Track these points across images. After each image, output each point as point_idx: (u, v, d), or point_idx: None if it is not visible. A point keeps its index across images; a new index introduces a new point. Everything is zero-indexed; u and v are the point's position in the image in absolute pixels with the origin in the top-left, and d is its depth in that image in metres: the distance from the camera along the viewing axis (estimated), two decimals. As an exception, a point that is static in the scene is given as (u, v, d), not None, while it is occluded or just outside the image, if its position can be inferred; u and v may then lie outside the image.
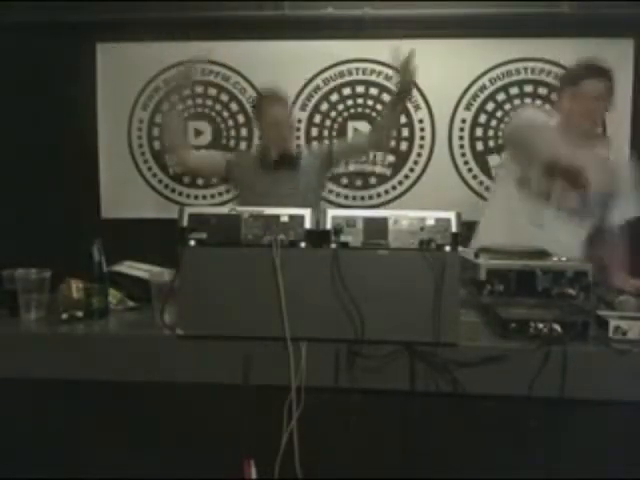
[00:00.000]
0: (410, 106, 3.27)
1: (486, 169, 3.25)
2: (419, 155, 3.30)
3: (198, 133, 3.38)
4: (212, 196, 3.42)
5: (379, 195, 3.30)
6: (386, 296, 1.30)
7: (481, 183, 3.25)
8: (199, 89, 3.35)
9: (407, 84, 2.25)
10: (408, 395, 1.32)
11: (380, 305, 1.30)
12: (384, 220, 1.34)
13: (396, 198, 3.30)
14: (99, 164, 3.37)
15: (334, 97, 3.30)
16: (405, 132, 3.30)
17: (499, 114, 3.24)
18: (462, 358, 1.30)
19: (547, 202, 2.09)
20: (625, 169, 2.15)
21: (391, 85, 3.25)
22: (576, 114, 2.10)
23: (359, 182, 3.31)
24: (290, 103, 2.67)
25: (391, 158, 3.30)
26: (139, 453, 1.41)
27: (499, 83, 3.21)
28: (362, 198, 3.32)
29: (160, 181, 3.41)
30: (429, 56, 3.18)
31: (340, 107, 3.30)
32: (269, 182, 2.43)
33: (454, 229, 1.33)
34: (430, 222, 1.33)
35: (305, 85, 3.29)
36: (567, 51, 3.14)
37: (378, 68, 3.26)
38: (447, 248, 1.32)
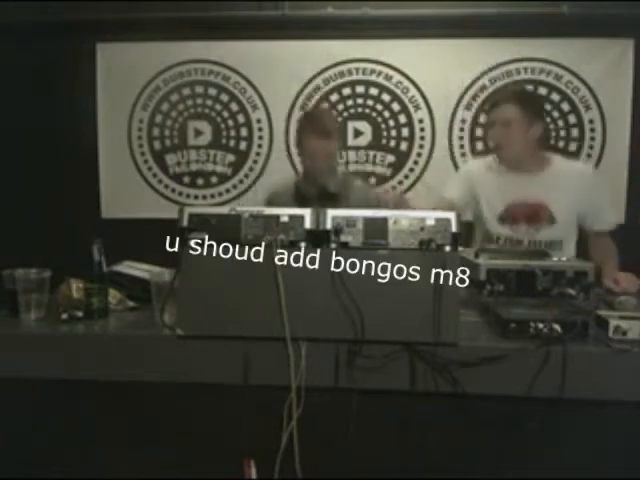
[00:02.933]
0: (410, 106, 3.27)
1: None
2: (419, 155, 3.30)
3: (198, 133, 3.38)
4: (212, 196, 3.42)
5: (379, 195, 3.30)
6: (386, 296, 1.30)
7: (481, 183, 3.25)
8: (199, 89, 3.35)
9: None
10: (408, 395, 1.32)
11: (380, 305, 1.30)
12: (384, 220, 1.34)
13: (396, 198, 3.29)
14: (99, 164, 3.37)
15: (334, 97, 3.30)
16: (405, 132, 3.30)
17: (499, 114, 3.24)
18: (462, 358, 1.30)
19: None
20: (594, 179, 2.12)
21: (390, 85, 3.26)
22: (494, 143, 2.11)
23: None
24: (337, 132, 2.25)
25: (391, 158, 3.30)
26: (139, 453, 1.41)
27: (499, 83, 3.21)
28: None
29: (160, 181, 3.41)
30: (429, 56, 3.19)
31: (340, 107, 3.30)
32: None
33: (454, 229, 1.33)
34: (430, 222, 1.33)
35: (305, 85, 3.29)
36: (567, 51, 3.15)
37: (378, 68, 3.26)
38: (447, 248, 1.32)
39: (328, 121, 2.26)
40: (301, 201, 2.21)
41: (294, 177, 2.40)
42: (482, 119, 3.25)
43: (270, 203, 2.33)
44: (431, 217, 1.34)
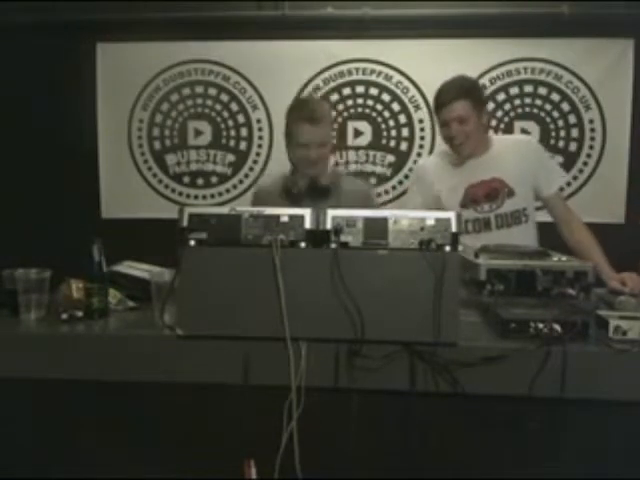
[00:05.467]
0: (410, 106, 3.27)
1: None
2: (419, 155, 3.29)
3: (198, 133, 3.38)
4: (212, 196, 3.42)
5: (379, 195, 3.30)
6: (386, 296, 1.30)
7: (481, 183, 3.25)
8: (199, 89, 3.35)
9: None
10: (408, 395, 1.32)
11: (380, 305, 1.30)
12: (384, 220, 1.34)
13: (396, 198, 3.30)
14: (99, 164, 3.37)
15: (334, 97, 3.29)
16: (405, 132, 3.30)
17: (499, 114, 3.24)
18: (462, 358, 1.29)
19: (490, 229, 2.15)
20: (532, 146, 2.25)
21: (390, 85, 3.26)
22: (452, 141, 2.13)
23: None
24: (329, 119, 2.17)
25: (391, 158, 3.30)
26: (139, 453, 1.41)
27: (499, 83, 3.21)
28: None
29: (160, 181, 3.41)
30: (429, 56, 3.19)
31: (340, 107, 3.30)
32: None
33: (454, 229, 1.33)
34: (430, 222, 1.33)
35: (305, 85, 3.29)
36: (567, 51, 3.15)
37: (378, 68, 3.26)
38: (447, 248, 1.32)
39: (319, 107, 2.11)
40: (290, 197, 2.09)
41: (282, 173, 2.27)
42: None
43: (257, 199, 2.25)
44: (431, 217, 1.34)
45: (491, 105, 3.23)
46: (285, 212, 1.36)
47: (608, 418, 1.33)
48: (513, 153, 2.16)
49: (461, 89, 2.08)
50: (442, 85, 2.15)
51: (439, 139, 3.23)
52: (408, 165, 3.29)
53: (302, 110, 2.08)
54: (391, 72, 3.26)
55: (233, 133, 3.38)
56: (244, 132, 3.38)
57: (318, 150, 2.04)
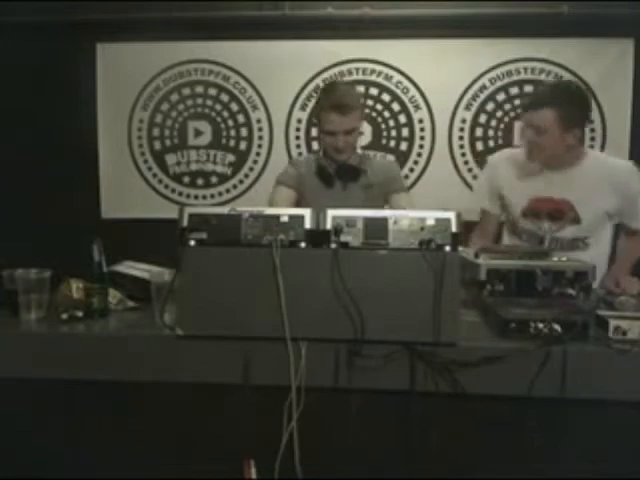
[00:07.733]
0: (410, 106, 3.28)
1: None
2: (419, 155, 3.30)
3: (198, 133, 3.38)
4: (212, 196, 3.42)
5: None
6: (386, 296, 1.30)
7: (481, 183, 3.25)
8: (199, 89, 3.35)
9: None
10: (408, 395, 1.32)
11: (380, 305, 1.30)
12: (384, 220, 1.34)
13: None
14: (99, 164, 3.37)
15: (334, 97, 3.29)
16: (405, 132, 3.30)
17: (499, 114, 3.24)
18: (462, 358, 1.29)
19: (542, 245, 2.02)
20: (632, 178, 1.95)
21: (391, 85, 3.26)
22: (525, 145, 1.95)
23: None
24: (358, 106, 2.10)
25: (391, 158, 3.30)
26: (139, 453, 1.41)
27: (499, 83, 3.21)
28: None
29: (160, 181, 3.42)
30: (429, 56, 3.20)
31: (340, 107, 3.30)
32: (334, 199, 2.12)
33: (454, 229, 1.33)
34: (430, 222, 1.33)
35: (305, 85, 3.29)
36: (567, 51, 3.16)
37: (378, 68, 3.26)
38: (447, 248, 1.31)
39: (348, 95, 2.07)
40: (322, 177, 2.16)
41: (315, 153, 2.33)
42: (482, 119, 3.26)
43: (295, 175, 2.22)
44: (431, 217, 1.34)
45: (491, 105, 3.24)
46: (285, 212, 1.36)
47: (608, 418, 1.33)
48: (603, 182, 1.91)
49: (556, 98, 1.83)
50: (541, 85, 2.00)
51: (439, 139, 3.27)
52: (408, 165, 3.30)
53: (331, 98, 2.05)
54: (391, 72, 3.26)
55: (233, 133, 3.39)
56: (244, 132, 3.38)
57: (345, 138, 2.06)
